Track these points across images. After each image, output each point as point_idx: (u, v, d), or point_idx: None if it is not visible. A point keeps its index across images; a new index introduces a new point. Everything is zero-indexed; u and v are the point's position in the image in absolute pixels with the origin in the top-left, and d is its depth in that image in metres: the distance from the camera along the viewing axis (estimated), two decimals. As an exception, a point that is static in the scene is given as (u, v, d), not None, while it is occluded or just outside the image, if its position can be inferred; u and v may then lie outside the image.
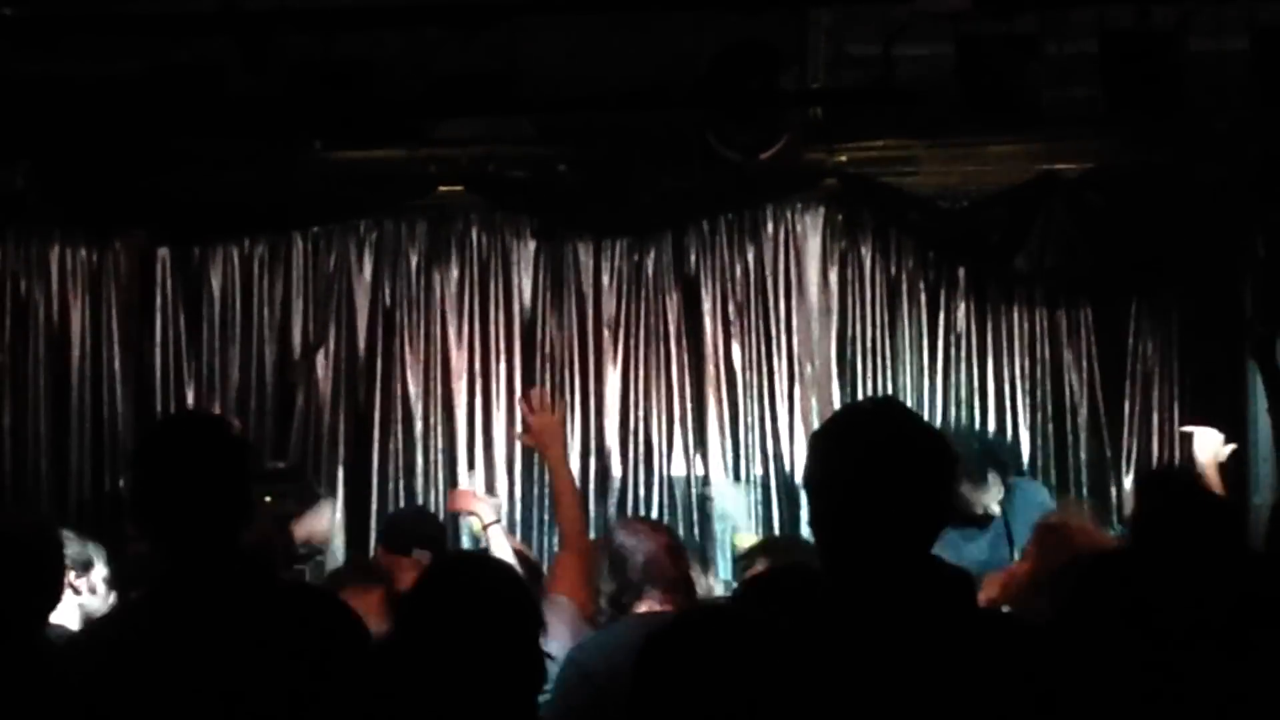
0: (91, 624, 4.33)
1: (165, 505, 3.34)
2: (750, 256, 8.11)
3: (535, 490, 7.97)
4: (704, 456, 8.10)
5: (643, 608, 4.90)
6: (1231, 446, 6.76)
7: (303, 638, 3.06)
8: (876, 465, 2.86)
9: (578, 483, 7.95)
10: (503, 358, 8.16)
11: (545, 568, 6.70)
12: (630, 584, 4.91)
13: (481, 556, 5.04)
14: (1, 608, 3.72)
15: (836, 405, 8.00)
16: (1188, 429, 7.02)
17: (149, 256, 8.18)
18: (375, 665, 3.10)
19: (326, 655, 3.01)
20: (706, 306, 8.10)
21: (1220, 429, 6.97)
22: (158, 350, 8.14)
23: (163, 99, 6.66)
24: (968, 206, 7.89)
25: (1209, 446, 6.75)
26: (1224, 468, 6.38)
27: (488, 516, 6.11)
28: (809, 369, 8.06)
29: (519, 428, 6.46)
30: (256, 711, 2.99)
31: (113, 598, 5.17)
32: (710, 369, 8.10)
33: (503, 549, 5.85)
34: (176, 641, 3.20)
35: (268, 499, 7.31)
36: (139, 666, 3.19)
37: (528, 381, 8.08)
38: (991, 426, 7.97)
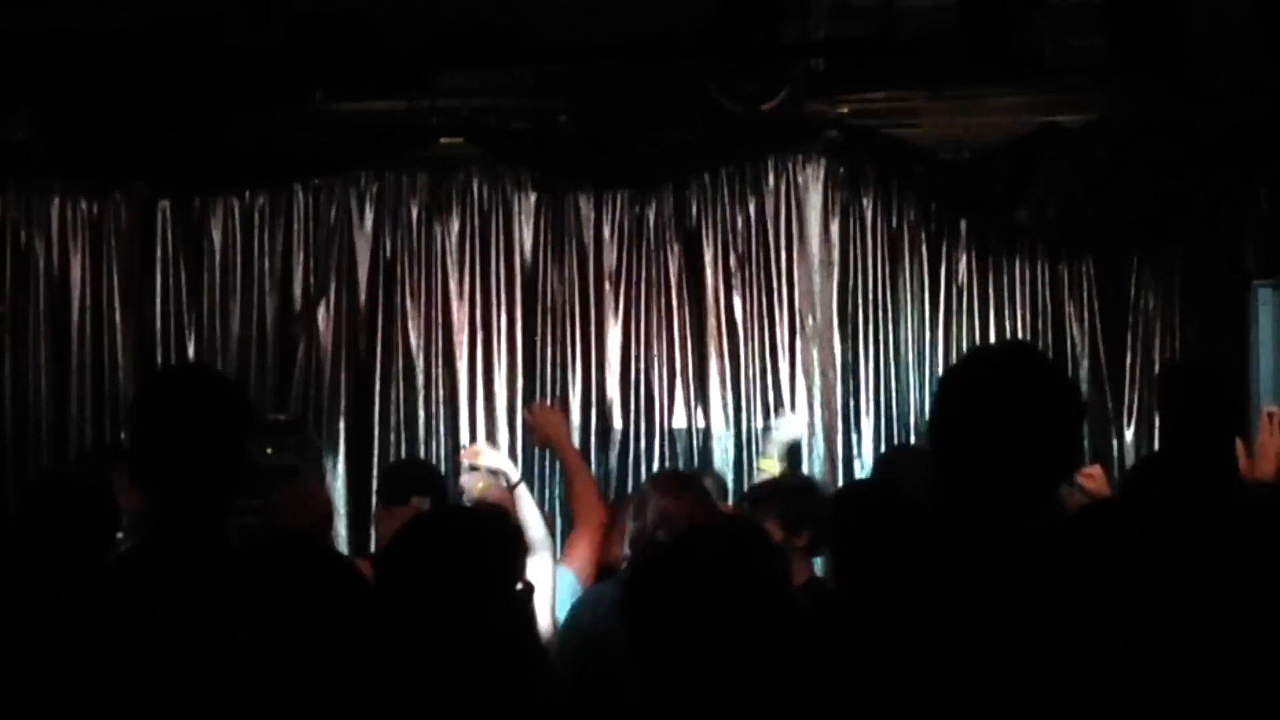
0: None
1: (161, 459, 3.32)
2: (752, 208, 8.09)
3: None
4: (705, 409, 8.10)
5: None
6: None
7: (293, 593, 3.05)
8: (1005, 399, 2.85)
9: (578, 435, 8.01)
10: (504, 310, 8.15)
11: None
12: (642, 532, 4.97)
13: (459, 509, 4.98)
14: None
15: (838, 358, 8.02)
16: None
17: (149, 208, 8.17)
18: (365, 623, 3.08)
19: (318, 612, 2.99)
20: (708, 259, 8.09)
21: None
22: (158, 302, 8.14)
23: (163, 50, 6.64)
24: (970, 158, 7.86)
25: None
26: None
27: (513, 476, 5.89)
28: (810, 321, 8.05)
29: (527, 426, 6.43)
30: (241, 667, 2.98)
31: None
32: (711, 321, 8.09)
33: (530, 509, 5.63)
34: (165, 596, 3.19)
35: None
36: (127, 620, 3.18)
37: (529, 333, 8.09)
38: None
